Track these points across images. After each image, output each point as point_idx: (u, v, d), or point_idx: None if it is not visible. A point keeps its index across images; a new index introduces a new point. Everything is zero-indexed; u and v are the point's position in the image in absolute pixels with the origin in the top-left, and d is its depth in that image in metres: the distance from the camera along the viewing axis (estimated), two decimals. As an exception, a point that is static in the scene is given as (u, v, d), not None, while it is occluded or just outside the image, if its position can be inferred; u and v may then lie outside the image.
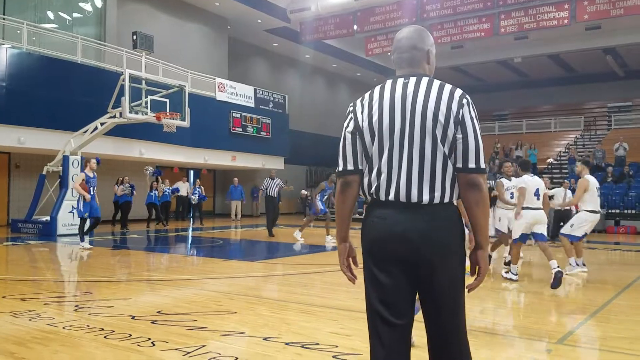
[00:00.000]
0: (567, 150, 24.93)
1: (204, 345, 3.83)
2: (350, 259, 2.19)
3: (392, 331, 2.00)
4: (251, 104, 21.22)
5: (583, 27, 21.79)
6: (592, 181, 7.51)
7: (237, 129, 20.02)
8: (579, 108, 29.26)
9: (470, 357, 2.06)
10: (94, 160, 10.06)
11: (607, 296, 6.08)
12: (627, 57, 25.87)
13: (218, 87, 19.56)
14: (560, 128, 28.09)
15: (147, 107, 13.66)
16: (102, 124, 13.65)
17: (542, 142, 25.60)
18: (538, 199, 6.81)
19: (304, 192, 24.02)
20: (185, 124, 14.61)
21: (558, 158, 24.91)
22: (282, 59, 26.59)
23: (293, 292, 6.23)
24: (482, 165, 2.00)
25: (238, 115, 20.10)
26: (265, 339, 4.03)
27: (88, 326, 4.37)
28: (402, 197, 1.99)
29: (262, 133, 21.30)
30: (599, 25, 21.56)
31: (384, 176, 2.02)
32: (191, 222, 19.46)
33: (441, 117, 1.98)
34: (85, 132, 13.69)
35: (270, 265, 8.78)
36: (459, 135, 1.98)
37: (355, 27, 21.02)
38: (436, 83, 2.06)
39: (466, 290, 2.08)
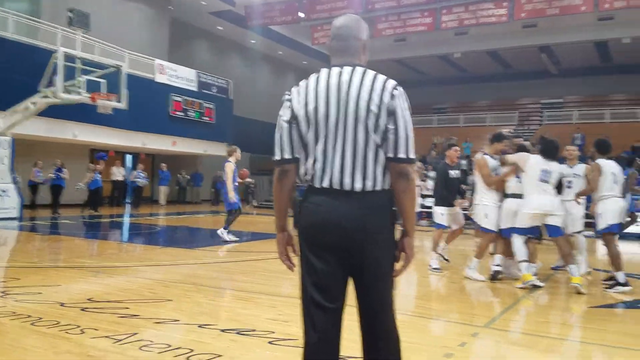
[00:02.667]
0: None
1: (135, 333, 3.74)
2: (289, 247, 2.23)
3: (325, 315, 2.06)
4: (193, 87, 20.75)
5: (520, 24, 22.65)
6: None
7: (177, 113, 19.54)
8: (514, 104, 30.48)
9: (398, 340, 2.14)
10: None
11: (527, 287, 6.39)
12: (561, 55, 27.14)
13: (158, 68, 18.98)
14: (495, 122, 29.18)
15: (81, 88, 13.09)
16: (33, 103, 12.96)
17: (477, 136, 26.53)
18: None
19: (247, 179, 23.85)
20: (122, 105, 14.10)
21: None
22: (227, 43, 26.12)
23: (232, 279, 6.19)
24: (412, 156, 2.08)
25: (179, 99, 19.61)
26: (200, 326, 3.99)
27: (14, 313, 4.18)
28: (336, 184, 2.05)
29: (204, 118, 20.90)
30: (535, 24, 22.50)
31: (319, 164, 2.08)
32: (128, 207, 18.88)
33: (374, 107, 2.03)
34: (15, 112, 12.95)
35: (209, 253, 8.67)
36: (391, 126, 2.04)
37: (301, 14, 20.93)
38: (370, 73, 2.11)
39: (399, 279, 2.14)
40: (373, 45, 22.20)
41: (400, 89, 2.10)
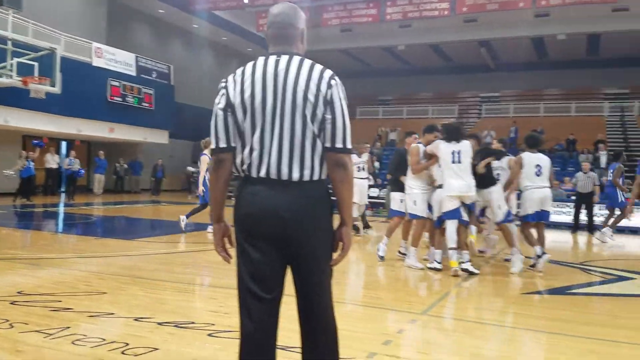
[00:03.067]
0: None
1: (68, 327, 3.59)
2: (226, 238, 2.21)
3: (261, 305, 2.06)
4: (132, 72, 20.04)
5: (462, 19, 23.23)
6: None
7: (115, 98, 18.84)
8: (454, 97, 31.34)
9: (336, 329, 2.17)
10: None
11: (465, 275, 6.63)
12: (499, 50, 28.09)
13: (95, 52, 18.22)
14: (437, 115, 29.94)
15: (13, 71, 12.40)
16: (-43, 86, 12.17)
17: (420, 128, 27.09)
18: None
19: (189, 168, 23.37)
20: (56, 89, 13.47)
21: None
22: (169, 27, 25.34)
23: (172, 271, 6.05)
24: (349, 146, 2.08)
25: (117, 84, 18.91)
26: (136, 319, 3.88)
27: None
28: (273, 174, 2.04)
29: (144, 104, 20.25)
30: (476, 19, 23.13)
31: (255, 153, 2.06)
32: (62, 196, 18.09)
33: (311, 97, 2.03)
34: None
35: (149, 244, 8.44)
36: (328, 116, 2.04)
37: (246, 0, 20.61)
38: (307, 62, 2.10)
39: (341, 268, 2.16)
40: (320, 35, 22.20)
41: (337, 79, 2.10)
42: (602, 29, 23.08)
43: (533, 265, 6.66)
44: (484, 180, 6.60)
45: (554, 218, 15.11)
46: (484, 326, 4.29)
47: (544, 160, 6.82)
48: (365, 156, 10.72)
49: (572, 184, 14.55)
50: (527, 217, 6.74)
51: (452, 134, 6.25)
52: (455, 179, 6.10)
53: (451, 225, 6.14)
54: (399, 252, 7.26)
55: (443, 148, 6.21)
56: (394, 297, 5.18)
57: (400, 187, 7.04)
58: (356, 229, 10.05)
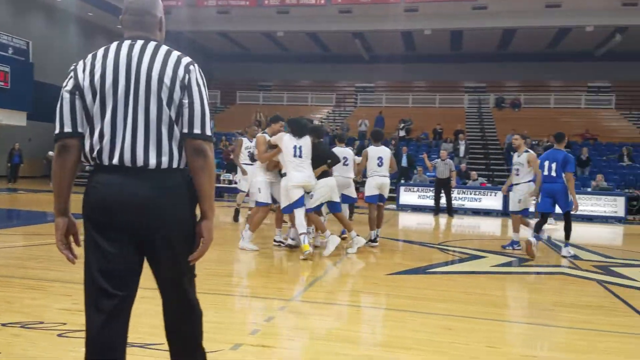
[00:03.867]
0: (321, 123, 27.25)
1: None
2: (71, 236, 2.06)
3: (111, 303, 1.93)
4: (-18, 47, 17.85)
5: (337, 10, 23.78)
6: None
7: (-39, 75, 16.68)
8: (332, 85, 32.13)
9: (200, 321, 2.12)
10: None
11: (335, 260, 6.84)
12: (373, 42, 29.21)
13: None
14: (316, 103, 30.52)
15: None
16: None
17: (300, 114, 27.43)
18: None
19: (50, 153, 21.49)
20: None
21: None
22: (28, 0, 22.94)
23: (21, 266, 5.48)
24: (208, 132, 1.99)
25: (-37, 59, 16.73)
26: (-27, 323, 3.45)
27: None
28: (127, 161, 1.90)
29: (-3, 83, 18.17)
30: (350, 10, 23.80)
31: (107, 138, 1.91)
32: None
33: (167, 80, 1.94)
34: None
35: (1, 237, 7.60)
36: (185, 100, 1.95)
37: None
38: (164, 48, 2.02)
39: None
40: (197, 16, 21.44)
41: (196, 66, 2.03)
42: (464, 26, 24.97)
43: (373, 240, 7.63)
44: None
45: (419, 202, 16.19)
46: (350, 308, 4.43)
47: (385, 152, 7.88)
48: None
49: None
50: (369, 198, 7.80)
51: (297, 129, 6.59)
52: (297, 171, 6.45)
53: (299, 213, 6.46)
54: (275, 240, 7.29)
55: (286, 141, 6.50)
56: (263, 285, 5.17)
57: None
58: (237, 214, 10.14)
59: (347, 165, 7.78)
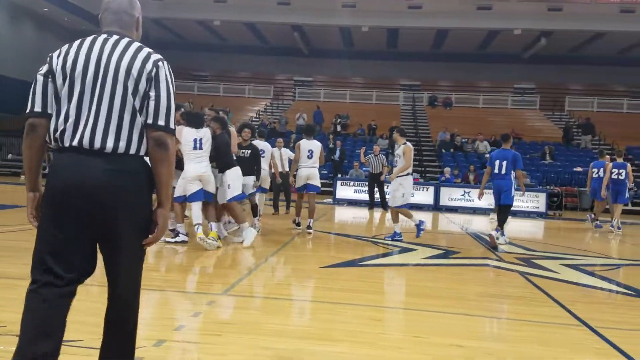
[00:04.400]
0: (258, 116, 26.97)
1: None
2: (39, 208, 2.10)
3: (57, 284, 1.97)
4: None
5: (275, 1, 23.57)
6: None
7: None
8: (270, 78, 31.87)
9: (136, 319, 2.24)
10: None
11: (269, 253, 6.78)
12: (311, 36, 29.21)
13: None
14: (253, 95, 30.19)
15: None
16: None
17: (236, 106, 27.03)
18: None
19: (10, 156, 20.42)
20: None
21: (250, 122, 26.77)
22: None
23: None
24: (172, 126, 2.09)
25: None
26: None
27: None
28: (86, 143, 1.99)
29: None
30: (289, 2, 23.65)
31: (70, 121, 2.01)
32: None
33: (134, 72, 2.05)
34: None
35: None
36: (152, 93, 2.06)
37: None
38: (136, 44, 2.14)
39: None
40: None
41: (166, 62, 2.15)
42: (400, 24, 25.46)
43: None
44: (221, 164, 6.88)
45: (355, 196, 16.37)
46: (281, 302, 4.38)
47: (315, 146, 8.48)
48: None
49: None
50: (297, 188, 8.45)
51: (196, 122, 6.60)
52: (194, 163, 6.48)
53: (196, 206, 6.46)
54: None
55: (185, 134, 6.48)
56: (194, 279, 5.03)
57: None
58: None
59: (263, 157, 8.33)
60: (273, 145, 9.89)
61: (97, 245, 2.08)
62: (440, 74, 30.61)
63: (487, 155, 15.47)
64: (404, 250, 7.38)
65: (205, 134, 6.54)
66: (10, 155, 22.99)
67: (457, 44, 28.34)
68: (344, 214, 13.56)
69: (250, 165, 7.54)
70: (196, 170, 6.44)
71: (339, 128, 24.04)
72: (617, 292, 5.49)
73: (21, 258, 5.15)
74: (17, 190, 14.91)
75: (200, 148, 6.46)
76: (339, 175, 17.66)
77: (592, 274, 6.41)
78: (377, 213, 13.55)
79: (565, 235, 11.45)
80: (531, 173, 18.86)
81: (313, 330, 3.56)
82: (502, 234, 8.23)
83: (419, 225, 8.43)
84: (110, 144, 1.99)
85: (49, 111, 2.03)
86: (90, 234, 2.01)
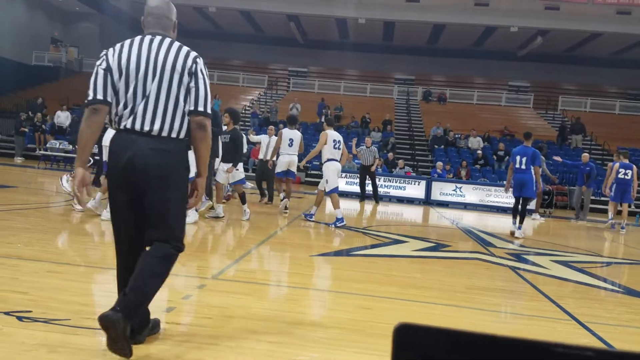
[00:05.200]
0: (251, 105, 26.82)
1: None
2: (85, 187, 2.51)
3: (132, 242, 2.58)
4: None
5: (272, -10, 23.37)
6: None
7: None
8: (265, 67, 31.70)
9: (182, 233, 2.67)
10: None
11: (258, 240, 6.75)
12: (307, 27, 29.07)
13: None
14: (248, 84, 30.02)
15: None
16: None
17: (230, 95, 26.89)
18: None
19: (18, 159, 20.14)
20: None
21: (243, 111, 26.61)
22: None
23: None
24: (209, 111, 2.61)
25: None
26: None
27: None
28: (137, 126, 2.49)
29: None
30: (285, -9, 23.46)
31: (128, 109, 2.50)
32: None
33: (178, 67, 2.53)
34: None
35: None
36: (192, 84, 2.54)
37: None
38: (177, 44, 2.62)
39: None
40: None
41: (201, 58, 2.62)
42: (396, 18, 25.38)
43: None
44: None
45: (347, 188, 16.36)
46: (272, 287, 4.36)
47: (296, 135, 9.26)
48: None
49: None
50: (277, 174, 9.56)
51: None
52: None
53: None
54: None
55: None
56: (183, 263, 4.98)
57: None
58: None
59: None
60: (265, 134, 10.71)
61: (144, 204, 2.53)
62: (435, 69, 30.60)
63: (496, 153, 15.52)
64: (395, 242, 7.37)
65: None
66: (-1, 135, 22.71)
67: (453, 39, 28.33)
68: (335, 205, 13.53)
69: (228, 151, 7.59)
70: None
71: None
72: (606, 289, 5.53)
73: (7, 237, 5.08)
74: (7, 170, 14.74)
75: None
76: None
77: (582, 270, 6.45)
78: (369, 205, 13.54)
79: (555, 233, 11.52)
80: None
81: (301, 317, 3.54)
82: (519, 228, 8.76)
83: (340, 219, 8.21)
84: (156, 127, 2.48)
85: (109, 99, 2.49)
86: (139, 198, 2.51)
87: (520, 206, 8.84)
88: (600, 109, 27.61)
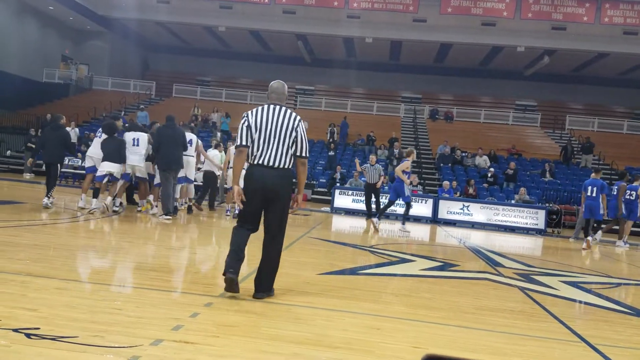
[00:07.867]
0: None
1: None
2: (242, 195, 4.19)
3: (247, 227, 4.28)
4: None
5: (281, 9, 23.67)
6: None
7: None
8: (272, 85, 31.88)
9: (281, 245, 4.45)
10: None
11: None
12: (315, 45, 29.32)
13: None
14: (255, 101, 30.21)
15: None
16: None
17: (238, 113, 26.97)
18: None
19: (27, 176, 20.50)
20: None
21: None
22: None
23: None
24: (305, 154, 4.31)
25: None
26: None
27: None
28: (266, 162, 4.15)
29: None
30: (294, 11, 23.75)
31: (260, 151, 4.17)
32: None
33: (290, 127, 4.19)
34: None
35: None
36: (298, 138, 4.22)
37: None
38: (289, 110, 4.26)
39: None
40: (136, 3, 20.71)
41: (300, 118, 4.32)
42: (403, 37, 25.58)
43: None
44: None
45: (353, 206, 16.33)
46: (280, 306, 4.34)
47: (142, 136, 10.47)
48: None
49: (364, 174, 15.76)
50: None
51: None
52: (131, 155, 9.51)
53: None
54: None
55: (127, 137, 9.64)
56: (191, 280, 4.98)
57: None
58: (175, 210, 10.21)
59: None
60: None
61: (264, 213, 4.27)
62: (442, 88, 30.72)
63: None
64: (402, 260, 7.34)
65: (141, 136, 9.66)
66: (9, 152, 22.89)
67: (460, 58, 28.48)
68: (341, 223, 13.52)
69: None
70: (131, 161, 9.50)
71: (335, 137, 24.06)
72: (616, 310, 5.46)
73: (17, 254, 5.11)
74: (16, 186, 14.85)
75: (138, 145, 9.56)
76: (338, 184, 17.63)
77: (590, 291, 6.38)
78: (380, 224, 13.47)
79: (563, 253, 11.42)
80: (531, 190, 18.87)
81: (310, 336, 3.52)
82: (592, 235, 11.75)
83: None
84: (277, 163, 4.14)
85: (248, 144, 4.17)
86: (263, 207, 4.23)
87: (588, 225, 11.73)
88: (608, 128, 27.55)
